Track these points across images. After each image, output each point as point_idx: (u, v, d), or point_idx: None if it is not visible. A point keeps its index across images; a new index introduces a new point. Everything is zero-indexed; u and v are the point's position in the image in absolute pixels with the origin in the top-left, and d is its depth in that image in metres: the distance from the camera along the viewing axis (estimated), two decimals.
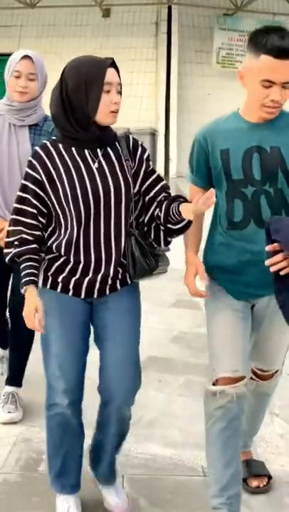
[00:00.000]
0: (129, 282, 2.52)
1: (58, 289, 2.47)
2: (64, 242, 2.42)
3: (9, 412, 3.46)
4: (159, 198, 2.47)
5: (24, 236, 2.43)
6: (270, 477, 2.92)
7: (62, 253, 2.44)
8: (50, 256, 2.48)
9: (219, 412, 2.49)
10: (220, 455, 2.50)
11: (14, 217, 2.46)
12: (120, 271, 2.48)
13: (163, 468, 2.98)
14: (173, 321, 5.09)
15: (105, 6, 13.90)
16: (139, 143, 2.57)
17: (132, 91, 13.41)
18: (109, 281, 2.46)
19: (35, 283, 2.40)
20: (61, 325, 2.47)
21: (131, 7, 13.97)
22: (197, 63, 14.20)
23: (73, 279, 2.45)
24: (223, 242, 2.64)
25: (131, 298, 2.55)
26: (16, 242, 2.44)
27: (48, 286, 2.48)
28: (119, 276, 2.49)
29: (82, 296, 2.47)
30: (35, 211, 2.41)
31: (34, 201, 2.41)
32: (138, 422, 3.25)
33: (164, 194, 2.49)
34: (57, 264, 2.47)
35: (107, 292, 2.48)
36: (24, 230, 2.42)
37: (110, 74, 2.35)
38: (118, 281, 2.49)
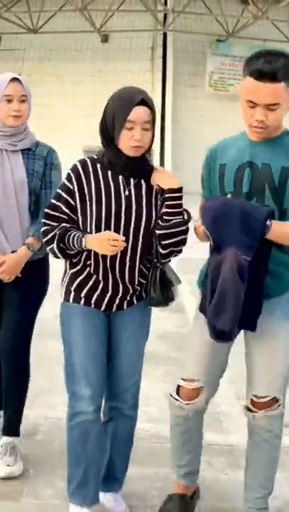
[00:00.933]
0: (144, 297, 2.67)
1: (81, 303, 2.62)
2: (84, 255, 2.59)
3: (8, 466, 3.11)
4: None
5: (61, 224, 2.57)
6: None
7: (87, 263, 2.59)
8: (74, 270, 2.64)
9: (179, 420, 2.72)
10: (179, 448, 2.78)
11: (45, 221, 2.60)
12: (138, 289, 2.64)
13: (141, 437, 3.52)
14: (159, 322, 5.67)
15: (104, 31, 14.41)
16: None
17: None
18: (127, 298, 2.63)
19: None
20: (85, 336, 2.60)
21: (128, 33, 14.48)
22: (191, 86, 14.70)
23: (95, 294, 2.60)
24: (214, 252, 2.67)
25: (144, 312, 2.72)
26: (56, 231, 2.55)
27: (71, 301, 2.63)
28: (136, 293, 2.64)
29: (103, 308, 2.63)
30: (66, 217, 2.57)
31: (66, 210, 2.56)
32: None
33: None
34: (80, 278, 2.62)
35: (125, 307, 2.64)
36: (58, 224, 2.58)
37: (135, 113, 2.47)
38: (135, 297, 2.65)
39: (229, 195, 2.57)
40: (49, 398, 3.94)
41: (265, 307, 2.52)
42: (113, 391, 2.72)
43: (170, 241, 2.55)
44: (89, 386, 2.57)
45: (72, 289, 2.62)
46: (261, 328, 2.54)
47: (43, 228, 2.61)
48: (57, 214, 2.58)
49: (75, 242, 2.52)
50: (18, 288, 3.11)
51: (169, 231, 2.54)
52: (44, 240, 2.61)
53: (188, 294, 5.02)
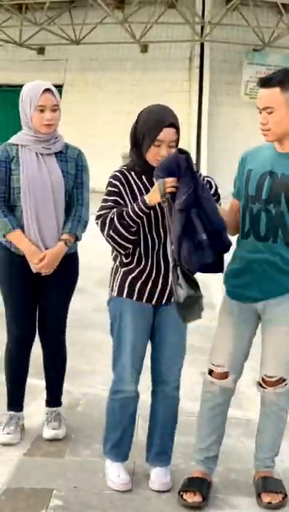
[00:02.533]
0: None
1: (134, 298, 2.97)
2: (136, 256, 2.94)
3: (54, 429, 3.56)
4: None
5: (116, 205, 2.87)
6: (286, 495, 3.06)
7: (139, 262, 2.94)
8: (126, 268, 2.97)
9: (208, 395, 3.11)
10: (205, 425, 3.12)
11: (100, 212, 2.87)
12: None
13: None
14: None
15: (143, 42, 14.73)
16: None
17: None
18: (167, 292, 2.97)
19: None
20: (134, 331, 2.98)
21: (167, 43, 14.83)
22: (227, 95, 14.94)
23: (147, 290, 2.95)
24: (236, 250, 3.03)
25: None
26: (112, 212, 2.82)
27: (124, 295, 2.97)
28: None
29: (153, 302, 2.98)
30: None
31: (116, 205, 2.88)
32: None
33: None
34: (132, 275, 2.95)
35: (172, 300, 2.86)
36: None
37: (165, 133, 2.81)
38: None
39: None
40: (88, 379, 4.46)
41: (279, 301, 2.93)
42: (160, 376, 3.11)
43: None
44: (133, 372, 3.03)
45: (126, 285, 2.97)
46: (274, 318, 2.95)
47: (100, 220, 2.85)
48: (109, 205, 2.88)
49: (136, 207, 2.78)
50: (55, 279, 3.39)
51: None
52: (105, 226, 2.82)
53: (218, 290, 5.48)
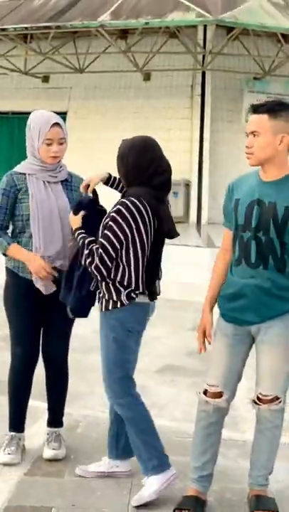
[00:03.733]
0: None
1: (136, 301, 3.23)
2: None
3: (54, 449, 3.65)
4: None
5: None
6: None
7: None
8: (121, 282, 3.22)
9: (203, 414, 3.20)
10: (199, 444, 3.22)
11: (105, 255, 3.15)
12: None
13: (165, 431, 4.04)
14: (187, 340, 6.23)
15: (146, 70, 14.89)
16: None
17: (169, 146, 14.42)
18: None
19: None
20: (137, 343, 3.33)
21: (169, 72, 14.99)
22: (228, 122, 15.07)
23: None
24: (230, 275, 3.16)
25: None
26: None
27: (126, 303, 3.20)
28: None
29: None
30: None
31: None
32: (153, 406, 4.34)
33: None
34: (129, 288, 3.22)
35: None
36: None
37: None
38: None
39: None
40: (88, 401, 4.57)
41: (273, 323, 3.05)
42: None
43: None
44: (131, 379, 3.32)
45: (126, 293, 3.19)
46: (267, 340, 3.06)
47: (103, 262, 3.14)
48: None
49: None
50: (59, 301, 3.42)
51: None
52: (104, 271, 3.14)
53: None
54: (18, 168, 3.59)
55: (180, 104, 15.12)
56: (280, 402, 3.12)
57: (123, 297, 3.19)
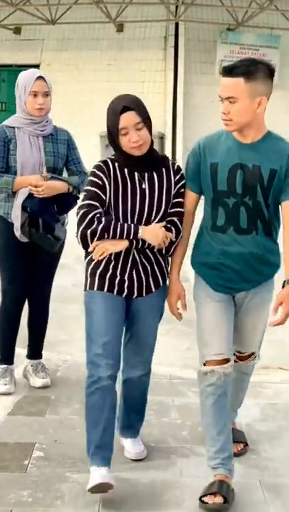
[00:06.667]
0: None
1: (105, 290, 2.94)
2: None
3: (43, 378, 4.03)
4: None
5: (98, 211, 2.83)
6: (246, 444, 3.35)
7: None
8: (94, 262, 2.95)
9: (210, 389, 2.95)
10: (214, 424, 2.95)
11: (82, 210, 2.83)
12: (155, 275, 3.04)
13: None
14: None
15: (119, 21, 14.82)
16: (182, 173, 2.98)
17: (143, 99, 14.41)
18: (144, 284, 3.01)
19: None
20: (106, 314, 2.94)
21: (142, 23, 14.93)
22: (202, 74, 15.10)
23: (116, 282, 2.95)
24: (208, 242, 2.96)
25: (161, 297, 3.10)
26: (97, 215, 2.80)
27: (95, 289, 2.95)
28: (154, 280, 3.04)
29: (124, 295, 2.97)
30: (101, 207, 2.86)
31: (98, 202, 2.85)
32: None
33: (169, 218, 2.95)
34: (101, 268, 2.94)
35: (144, 294, 3.01)
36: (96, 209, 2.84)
37: (124, 120, 2.78)
38: (152, 284, 3.05)
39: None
40: (67, 347, 4.76)
41: (260, 288, 3.01)
42: (129, 363, 3.14)
43: None
44: (107, 355, 2.90)
45: (96, 278, 2.95)
46: (253, 304, 3.04)
47: (81, 212, 2.83)
48: (94, 203, 2.84)
49: (125, 230, 2.81)
50: (46, 255, 3.85)
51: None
52: (83, 223, 2.81)
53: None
54: (7, 122, 3.84)
55: (153, 56, 15.15)
56: (255, 357, 3.25)
57: None
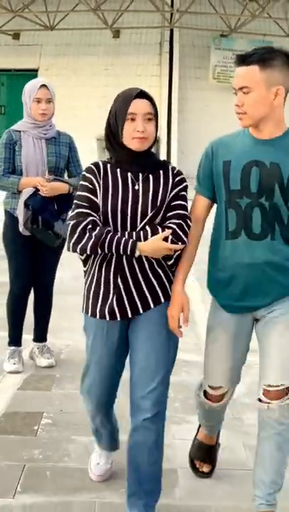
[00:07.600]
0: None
1: (97, 316, 2.66)
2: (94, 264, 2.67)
3: (48, 359, 4.43)
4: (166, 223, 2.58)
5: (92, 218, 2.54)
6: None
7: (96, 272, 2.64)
8: (88, 279, 2.71)
9: (206, 406, 2.95)
10: (203, 419, 3.11)
11: (73, 221, 2.56)
12: (152, 288, 2.65)
13: None
14: None
15: (115, 28, 15.22)
16: (182, 177, 2.63)
17: None
18: (140, 299, 2.64)
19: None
20: (100, 357, 2.73)
21: (138, 29, 15.32)
22: (196, 78, 15.52)
23: (107, 306, 2.63)
24: (223, 255, 2.63)
25: (162, 313, 2.64)
26: (88, 227, 2.51)
27: (90, 314, 2.71)
28: (151, 294, 2.64)
29: (118, 318, 2.63)
30: (94, 215, 2.56)
31: (91, 210, 2.56)
32: None
33: (171, 221, 2.56)
34: (92, 289, 2.67)
35: (141, 310, 2.63)
36: (90, 216, 2.55)
37: (135, 105, 2.49)
38: (150, 299, 2.65)
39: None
40: (70, 334, 5.12)
41: (281, 301, 2.62)
42: (134, 403, 2.63)
43: None
44: (90, 398, 2.84)
45: (90, 301, 2.68)
46: (276, 321, 2.60)
47: (73, 223, 2.57)
48: (84, 211, 2.56)
49: (121, 246, 2.50)
50: (50, 250, 4.26)
51: None
52: (74, 237, 2.54)
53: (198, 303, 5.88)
54: (15, 127, 4.24)
55: (149, 61, 15.53)
56: None
57: None
